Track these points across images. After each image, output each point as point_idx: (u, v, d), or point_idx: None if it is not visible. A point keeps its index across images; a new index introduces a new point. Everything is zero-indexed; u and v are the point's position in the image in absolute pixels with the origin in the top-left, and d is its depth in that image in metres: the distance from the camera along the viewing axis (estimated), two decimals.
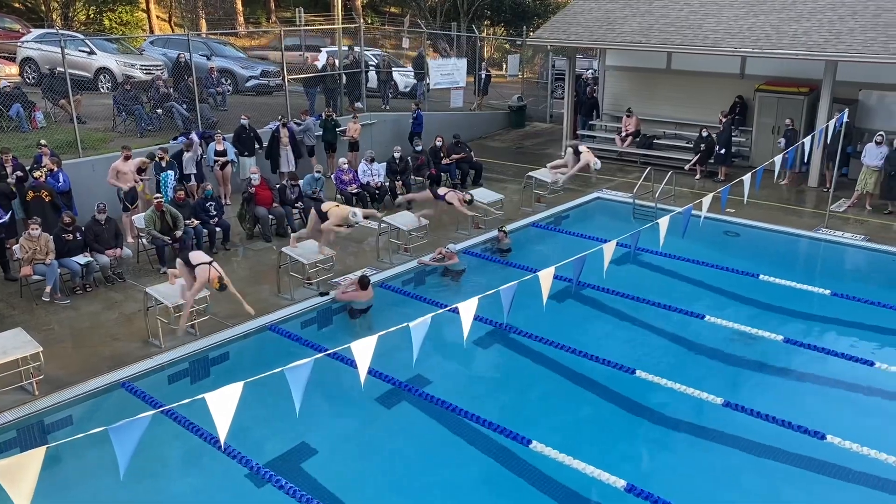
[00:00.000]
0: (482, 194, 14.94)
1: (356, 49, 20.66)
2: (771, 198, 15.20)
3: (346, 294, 10.94)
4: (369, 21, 36.00)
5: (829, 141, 13.69)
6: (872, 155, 15.02)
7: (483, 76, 24.15)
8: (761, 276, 11.72)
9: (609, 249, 8.14)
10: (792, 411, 8.28)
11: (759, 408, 8.28)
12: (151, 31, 31.17)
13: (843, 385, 9.11)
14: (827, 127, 13.37)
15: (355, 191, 15.16)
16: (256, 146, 16.03)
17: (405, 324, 6.04)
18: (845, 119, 13.65)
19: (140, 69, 19.30)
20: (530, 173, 16.27)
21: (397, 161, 16.01)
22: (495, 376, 9.15)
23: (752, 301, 11.30)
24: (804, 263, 13.74)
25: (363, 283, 10.91)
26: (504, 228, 13.55)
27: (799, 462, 7.71)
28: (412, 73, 23.63)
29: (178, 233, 12.08)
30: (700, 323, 10.42)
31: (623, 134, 19.78)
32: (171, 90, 17.26)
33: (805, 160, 16.63)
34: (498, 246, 13.47)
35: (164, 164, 13.69)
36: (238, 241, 13.59)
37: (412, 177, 16.49)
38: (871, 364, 9.21)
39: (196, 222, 12.69)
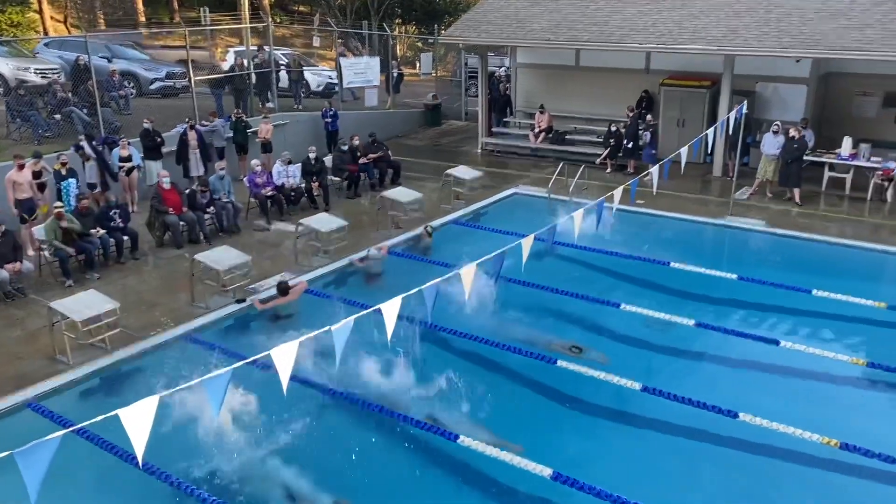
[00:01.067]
0: (401, 193, 14.90)
1: (266, 48, 20.24)
2: (679, 188, 15.78)
3: (268, 303, 10.73)
4: (278, 20, 35.34)
5: (730, 132, 14.31)
6: (770, 144, 15.79)
7: (395, 74, 24.09)
8: (672, 264, 12.14)
9: (527, 244, 8.26)
10: (706, 392, 8.61)
11: (675, 391, 8.59)
12: (45, 33, 29.65)
13: (752, 364, 9.54)
14: (728, 118, 13.97)
15: (270, 193, 14.85)
16: (164, 150, 15.50)
17: (327, 327, 5.95)
18: (745, 110, 14.30)
19: (35, 73, 18.32)
20: (448, 171, 16.33)
21: (313, 162, 15.77)
22: (421, 375, 9.13)
23: (664, 288, 11.69)
24: (712, 250, 14.29)
25: (280, 289, 10.73)
26: (430, 227, 13.57)
27: (715, 440, 8.03)
28: (323, 72, 23.34)
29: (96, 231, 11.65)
30: (616, 312, 10.70)
31: (536, 130, 20.11)
32: (70, 94, 16.47)
33: (709, 151, 17.35)
34: (420, 244, 13.49)
35: (64, 172, 13.05)
36: (148, 250, 13.10)
37: (329, 177, 16.28)
38: (777, 343, 9.68)
39: (102, 231, 12.16)
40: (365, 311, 6.46)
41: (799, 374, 9.28)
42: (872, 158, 15.84)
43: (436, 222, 14.25)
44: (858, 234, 13.74)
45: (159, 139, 15.51)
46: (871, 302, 10.66)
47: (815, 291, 11.06)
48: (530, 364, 9.34)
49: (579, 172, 15.69)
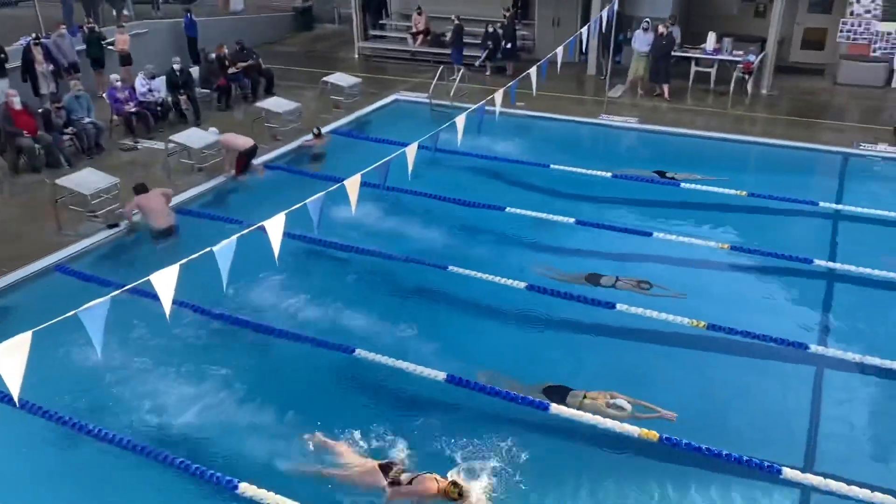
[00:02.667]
0: (277, 104, 14.31)
1: None
2: (556, 89, 15.97)
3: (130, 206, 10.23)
4: None
5: (603, 30, 14.49)
6: (641, 41, 16.15)
7: None
8: (552, 166, 12.43)
9: (411, 152, 8.19)
10: (587, 287, 9.08)
11: (556, 286, 8.98)
12: None
13: (627, 256, 10.05)
14: (601, 16, 14.11)
15: (134, 110, 13.88)
16: (7, 66, 14.07)
17: (208, 248, 5.74)
18: (616, 8, 14.47)
19: None
20: (325, 78, 15.77)
21: (178, 73, 14.78)
22: (311, 290, 9.06)
23: (546, 189, 11.99)
24: (589, 149, 14.68)
25: (137, 189, 10.26)
26: (319, 130, 13.18)
27: (596, 331, 8.51)
28: None
29: None
30: (502, 215, 10.91)
31: (413, 31, 19.62)
32: None
33: (583, 50, 17.55)
34: (312, 152, 13.11)
35: None
36: (1, 177, 12.07)
37: (198, 90, 15.35)
38: (650, 234, 10.23)
39: None
40: (248, 230, 6.26)
41: (671, 262, 9.86)
42: (734, 52, 16.56)
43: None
44: (722, 127, 14.48)
45: (2, 55, 14.03)
46: (733, 191, 11.37)
47: (682, 185, 11.67)
48: (423, 271, 9.44)
49: (459, 76, 15.56)
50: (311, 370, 7.86)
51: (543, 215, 10.77)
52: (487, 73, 18.06)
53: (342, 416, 7.06)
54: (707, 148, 13.72)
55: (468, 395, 7.28)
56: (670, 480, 6.44)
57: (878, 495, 5.99)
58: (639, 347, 8.26)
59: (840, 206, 11.09)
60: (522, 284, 9.01)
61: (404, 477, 6.05)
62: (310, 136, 13.33)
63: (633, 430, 6.66)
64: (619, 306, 8.54)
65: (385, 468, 6.15)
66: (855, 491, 6.04)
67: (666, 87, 16.15)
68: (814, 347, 7.88)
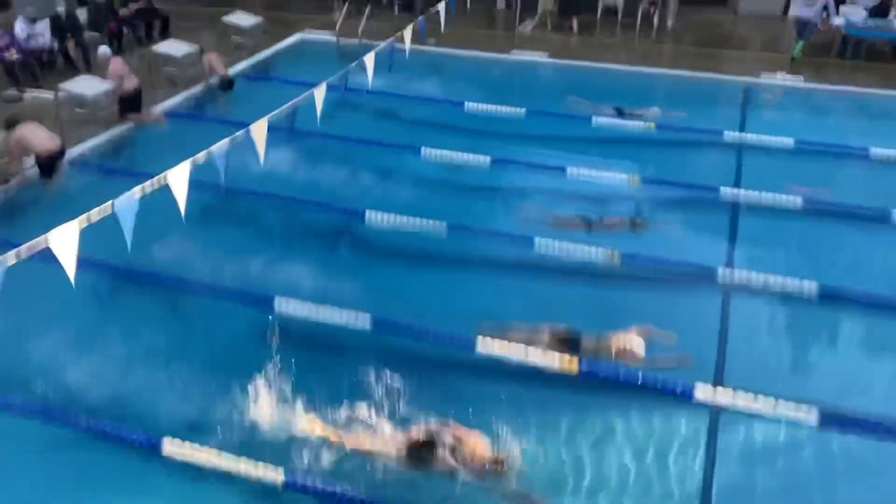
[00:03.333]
0: (174, 47, 13.53)
1: None
2: (467, 23, 15.72)
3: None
4: None
5: None
6: None
7: None
8: (467, 104, 12.30)
9: (320, 93, 7.92)
10: (505, 222, 9.13)
11: (477, 224, 8.97)
12: None
13: (544, 192, 10.13)
14: None
15: (15, 57, 12.85)
16: None
17: (109, 202, 5.43)
18: None
19: None
20: (225, 18, 15.00)
21: (63, 17, 13.72)
22: (222, 243, 8.76)
23: (461, 128, 11.88)
24: (501, 86, 14.60)
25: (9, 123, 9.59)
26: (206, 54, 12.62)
27: (513, 268, 8.59)
28: None
29: None
30: (418, 156, 10.77)
31: None
32: None
33: None
34: (218, 82, 12.55)
35: None
36: None
37: (87, 34, 14.33)
38: (563, 170, 10.32)
39: None
40: (150, 182, 5.94)
41: (585, 198, 10.00)
42: None
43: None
44: (631, 60, 14.64)
45: None
46: (641, 124, 11.56)
47: (594, 119, 11.78)
48: (339, 218, 9.26)
49: (366, 13, 15.08)
50: (229, 323, 7.65)
51: (460, 155, 10.70)
52: (395, 11, 17.60)
53: (266, 367, 6.94)
54: (616, 81, 13.87)
55: (391, 338, 7.27)
56: (594, 409, 6.64)
57: (783, 403, 6.36)
58: (558, 281, 8.40)
59: (743, 136, 11.44)
60: (443, 225, 8.98)
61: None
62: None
63: (554, 361, 6.82)
64: (536, 241, 8.64)
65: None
66: (762, 403, 6.39)
67: (575, 22, 16.14)
68: (722, 271, 8.20)
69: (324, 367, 6.99)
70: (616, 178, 10.18)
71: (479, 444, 5.53)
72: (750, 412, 6.39)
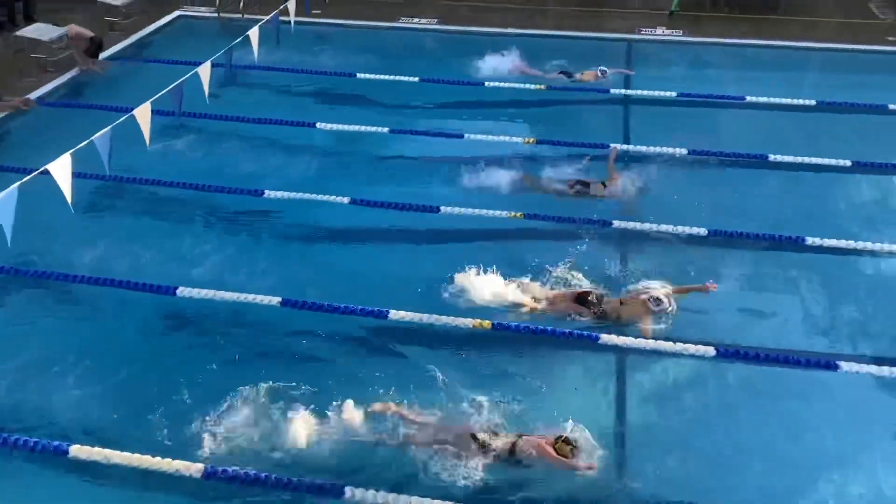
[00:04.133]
0: (41, 30, 12.67)
1: None
2: None
3: None
4: None
5: None
6: None
7: None
8: (358, 75, 12.16)
9: (205, 73, 7.65)
10: (407, 192, 9.14)
11: (378, 198, 8.96)
12: None
13: (443, 160, 10.17)
14: None
15: None
16: None
17: None
18: None
19: None
20: None
21: None
22: (118, 233, 8.38)
23: (355, 99, 11.75)
24: (393, 55, 14.43)
25: None
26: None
27: (420, 235, 8.64)
28: None
29: None
30: (313, 131, 10.59)
31: None
32: None
33: None
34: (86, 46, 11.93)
35: None
36: None
37: None
38: (461, 136, 10.40)
39: None
40: (30, 176, 5.61)
41: (484, 160, 10.09)
42: None
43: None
44: (518, 22, 14.78)
45: None
46: (533, 86, 11.77)
47: (487, 83, 11.89)
48: (237, 200, 9.03)
49: None
50: (131, 315, 7.36)
51: (356, 127, 10.59)
52: None
53: (175, 358, 6.76)
54: (506, 44, 13.98)
55: (298, 314, 7.20)
56: (509, 362, 6.83)
57: (681, 343, 6.75)
58: (452, 243, 8.51)
59: (628, 91, 11.81)
60: (346, 199, 8.90)
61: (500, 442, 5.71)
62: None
63: (467, 322, 6.97)
64: (442, 209, 8.71)
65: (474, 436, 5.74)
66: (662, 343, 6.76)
67: None
68: (616, 223, 8.54)
69: (238, 350, 6.87)
70: (512, 140, 10.35)
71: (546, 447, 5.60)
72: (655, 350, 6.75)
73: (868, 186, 9.41)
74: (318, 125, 10.61)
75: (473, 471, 5.52)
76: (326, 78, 12.25)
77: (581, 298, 7.17)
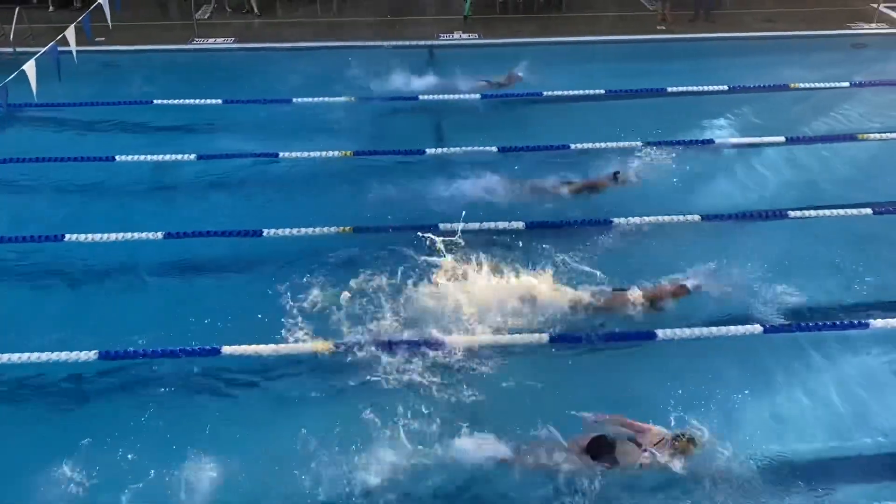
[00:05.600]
0: None
1: None
2: (139, 17, 14.58)
3: None
4: None
5: None
6: None
7: None
8: (155, 101, 11.49)
9: None
10: (226, 218, 8.80)
11: (195, 227, 8.52)
12: None
13: (257, 180, 9.85)
14: None
15: None
16: None
17: None
18: None
19: None
20: None
21: None
22: None
23: (155, 127, 11.11)
24: (191, 78, 13.73)
25: None
26: None
27: (244, 263, 8.34)
28: None
29: None
30: (114, 165, 9.86)
31: None
32: None
33: None
34: None
35: None
36: None
37: None
38: (276, 156, 10.15)
39: None
40: None
41: (299, 179, 9.92)
42: None
43: None
44: (319, 35, 14.67)
45: None
46: (343, 98, 11.72)
47: (294, 99, 11.68)
48: (30, 250, 8.24)
49: (15, 17, 13.28)
50: None
51: (160, 157, 9.99)
52: (50, 9, 15.72)
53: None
54: (309, 58, 13.83)
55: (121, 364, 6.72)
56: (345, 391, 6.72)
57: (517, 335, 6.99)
58: (290, 261, 8.24)
59: (436, 97, 12.03)
60: (160, 234, 8.40)
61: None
62: None
63: (306, 347, 6.82)
64: (265, 232, 8.44)
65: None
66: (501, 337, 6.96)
67: (254, 3, 15.76)
68: (442, 226, 8.67)
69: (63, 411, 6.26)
70: (329, 155, 10.24)
71: (653, 429, 5.80)
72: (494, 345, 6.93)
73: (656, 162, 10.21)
74: (117, 158, 9.91)
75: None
76: (121, 108, 11.46)
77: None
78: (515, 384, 6.63)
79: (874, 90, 12.26)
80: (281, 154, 10.16)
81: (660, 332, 7.10)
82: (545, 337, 7.06)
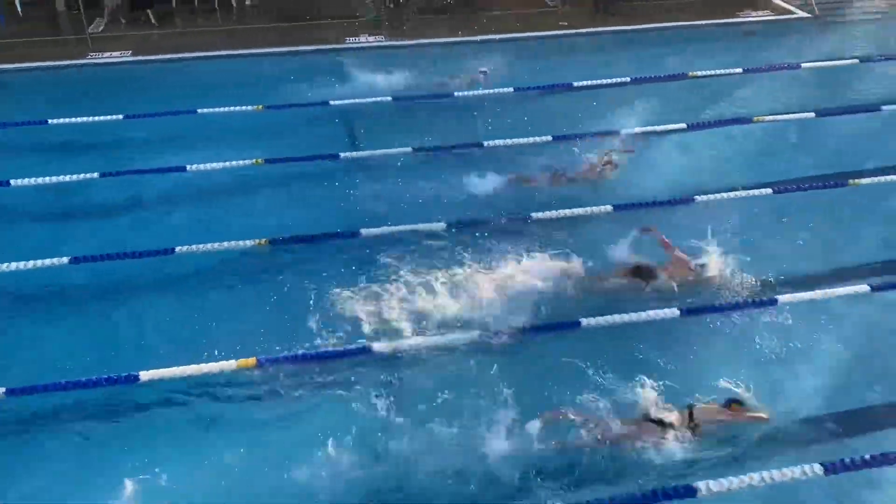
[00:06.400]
0: None
1: None
2: (27, 33, 13.86)
3: None
4: None
5: None
6: None
7: None
8: (51, 121, 10.95)
9: None
10: (135, 238, 8.44)
11: (104, 250, 8.20)
12: None
13: (164, 198, 9.55)
14: None
15: None
16: None
17: None
18: None
19: None
20: None
21: None
22: None
23: (53, 148, 10.62)
24: (88, 94, 13.07)
25: None
26: None
27: (156, 285, 8.04)
28: None
29: None
30: (7, 191, 9.36)
31: None
32: None
33: None
34: None
35: None
36: None
37: None
38: (184, 169, 9.83)
39: None
40: None
41: (210, 192, 9.65)
42: None
43: None
44: (215, 44, 14.28)
45: None
46: (251, 107, 11.47)
47: (199, 110, 11.34)
48: None
49: None
50: None
51: (59, 178, 9.53)
52: None
53: None
54: (211, 69, 13.49)
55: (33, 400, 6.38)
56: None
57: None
58: (205, 280, 8.09)
59: (347, 101, 11.89)
60: (65, 260, 8.02)
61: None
62: None
63: (229, 364, 6.65)
64: (177, 249, 8.17)
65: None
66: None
67: (151, 13, 15.23)
68: (364, 231, 8.63)
69: None
70: (239, 164, 10.00)
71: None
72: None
73: (567, 155, 10.40)
74: (13, 183, 9.40)
75: (669, 450, 5.83)
76: (13, 130, 10.88)
77: (637, 271, 7.72)
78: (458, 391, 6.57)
79: (765, 75, 12.90)
80: (189, 167, 9.86)
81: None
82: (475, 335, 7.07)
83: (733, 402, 6.13)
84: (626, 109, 11.31)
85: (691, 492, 5.51)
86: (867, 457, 5.80)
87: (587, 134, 10.63)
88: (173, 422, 6.36)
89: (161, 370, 6.54)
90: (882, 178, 9.57)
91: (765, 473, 5.60)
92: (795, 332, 7.14)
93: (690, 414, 6.05)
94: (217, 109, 11.37)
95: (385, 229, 8.64)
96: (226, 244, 8.27)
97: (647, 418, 6.04)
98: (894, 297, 7.76)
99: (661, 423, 5.97)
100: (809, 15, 15.68)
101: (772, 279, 7.79)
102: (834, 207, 9.19)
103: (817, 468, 5.69)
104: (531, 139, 10.58)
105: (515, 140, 10.55)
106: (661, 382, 6.34)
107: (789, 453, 5.96)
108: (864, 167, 9.87)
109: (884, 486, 5.77)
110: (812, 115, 11.29)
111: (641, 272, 7.63)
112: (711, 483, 5.52)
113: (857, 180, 9.56)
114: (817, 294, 7.60)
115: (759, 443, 6.08)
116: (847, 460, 5.76)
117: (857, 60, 13.33)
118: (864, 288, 7.66)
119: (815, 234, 8.62)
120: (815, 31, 15.11)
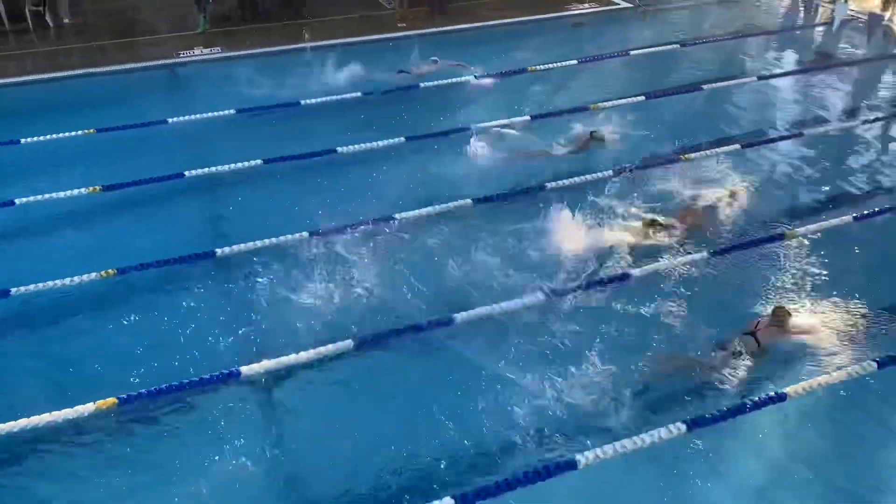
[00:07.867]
0: None
1: None
2: None
3: None
4: None
5: None
6: None
7: None
8: None
9: None
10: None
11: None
12: None
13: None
14: None
15: None
16: None
17: None
18: None
19: None
20: None
21: None
22: None
23: None
24: None
25: None
26: None
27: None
28: None
29: None
30: None
31: None
32: None
33: None
34: None
35: None
36: None
37: None
38: (12, 203, 9.05)
39: None
40: None
41: (45, 225, 8.95)
42: None
43: None
44: (38, 68, 13.26)
45: None
46: (81, 132, 10.69)
47: (23, 140, 10.47)
48: None
49: None
50: None
51: None
52: None
53: None
54: (31, 95, 12.46)
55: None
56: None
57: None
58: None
59: (184, 118, 11.32)
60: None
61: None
62: None
63: (87, 409, 6.15)
64: (14, 291, 7.49)
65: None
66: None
67: None
68: (220, 251, 8.28)
69: None
70: (77, 193, 9.29)
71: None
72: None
73: (417, 157, 10.45)
74: None
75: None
76: None
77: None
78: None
79: (596, 64, 13.63)
80: (17, 200, 9.06)
81: None
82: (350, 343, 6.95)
83: (776, 311, 7.04)
84: (473, 105, 11.57)
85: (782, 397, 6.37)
86: None
87: (437, 133, 10.78)
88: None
89: (10, 423, 5.95)
90: (707, 152, 10.41)
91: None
92: None
93: (755, 338, 6.81)
94: (43, 138, 10.52)
95: (242, 246, 8.33)
96: (67, 280, 7.65)
97: (722, 347, 6.81)
98: None
99: (734, 353, 6.74)
100: (630, 4, 16.76)
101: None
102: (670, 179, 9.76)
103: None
104: (381, 142, 10.59)
105: (368, 144, 10.51)
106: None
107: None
108: (695, 143, 10.66)
109: None
110: (642, 98, 12.05)
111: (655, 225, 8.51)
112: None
113: (688, 155, 10.32)
114: None
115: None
116: None
117: (677, 46, 14.37)
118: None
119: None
120: (638, 20, 16.15)
